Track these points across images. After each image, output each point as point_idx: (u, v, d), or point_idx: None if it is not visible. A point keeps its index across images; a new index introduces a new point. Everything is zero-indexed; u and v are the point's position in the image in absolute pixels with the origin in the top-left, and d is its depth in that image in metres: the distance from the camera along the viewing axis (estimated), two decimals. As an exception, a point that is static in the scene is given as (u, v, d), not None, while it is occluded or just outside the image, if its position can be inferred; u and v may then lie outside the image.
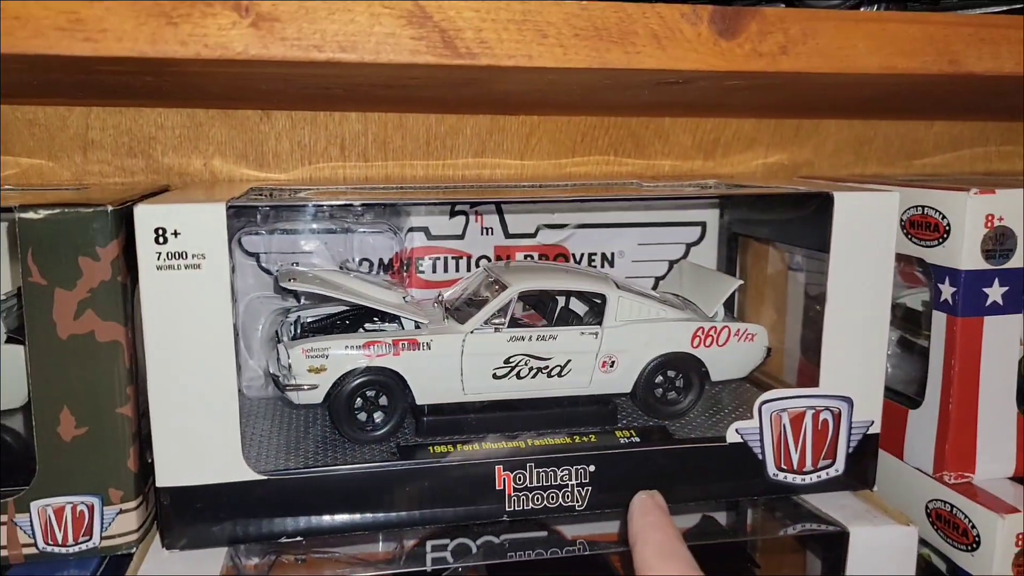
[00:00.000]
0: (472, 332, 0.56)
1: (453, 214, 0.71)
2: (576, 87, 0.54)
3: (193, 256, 0.46)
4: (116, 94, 0.63)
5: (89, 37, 0.40)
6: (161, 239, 0.46)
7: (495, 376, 0.56)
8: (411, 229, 0.69)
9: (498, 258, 0.72)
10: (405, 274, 0.68)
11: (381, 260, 0.69)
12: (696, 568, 0.44)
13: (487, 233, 0.72)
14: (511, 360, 0.56)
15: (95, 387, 0.47)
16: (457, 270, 0.71)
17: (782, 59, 0.46)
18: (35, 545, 0.48)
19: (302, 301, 0.66)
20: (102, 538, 0.49)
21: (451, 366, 0.56)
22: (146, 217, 0.46)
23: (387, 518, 0.53)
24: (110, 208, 0.46)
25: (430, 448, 0.55)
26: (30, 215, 0.45)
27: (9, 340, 0.54)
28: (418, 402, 0.56)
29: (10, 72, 0.47)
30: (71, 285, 0.46)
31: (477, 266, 0.71)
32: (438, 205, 0.68)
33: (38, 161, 0.67)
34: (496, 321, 0.57)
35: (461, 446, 0.55)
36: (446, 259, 0.71)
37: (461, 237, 0.71)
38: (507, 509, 0.53)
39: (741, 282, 0.63)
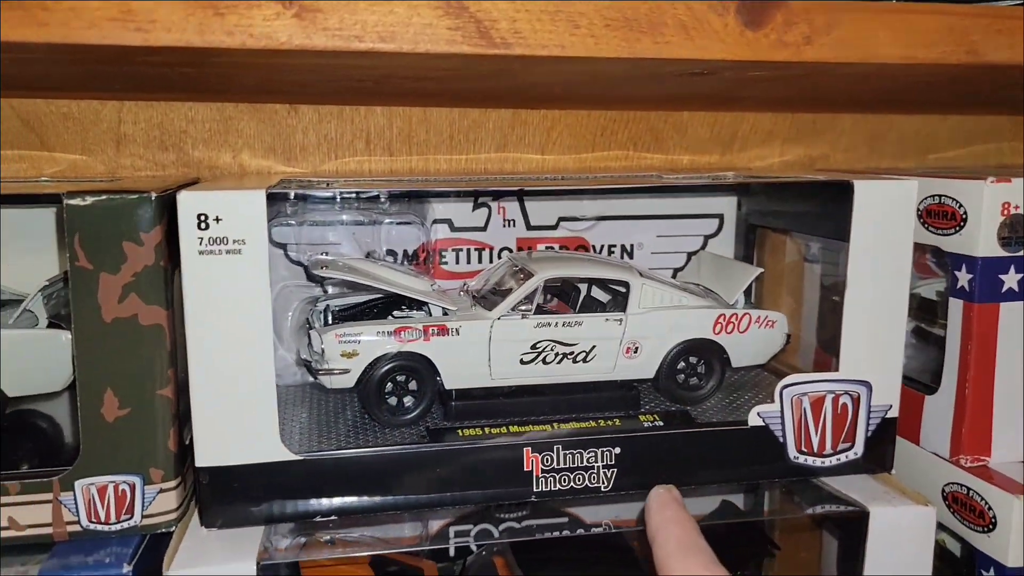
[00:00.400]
0: (499, 318, 0.57)
1: (476, 206, 0.72)
2: (601, 78, 0.55)
3: (234, 242, 0.48)
4: (148, 88, 0.64)
5: (140, 27, 0.41)
6: (203, 225, 0.47)
7: (522, 361, 0.58)
8: (435, 221, 0.70)
9: (519, 249, 0.73)
10: (429, 265, 0.70)
11: (405, 251, 0.70)
12: (716, 562, 0.44)
13: (509, 225, 0.73)
14: (537, 346, 0.58)
15: (138, 369, 0.49)
16: (480, 261, 0.73)
17: (806, 49, 0.47)
18: (79, 523, 0.49)
19: (329, 291, 0.67)
20: (143, 516, 0.50)
21: (479, 351, 0.57)
22: (189, 203, 0.47)
23: (418, 499, 0.54)
24: (154, 195, 0.47)
25: (459, 431, 0.56)
26: (77, 202, 0.47)
27: (51, 325, 0.55)
28: (446, 387, 0.57)
29: (57, 64, 0.49)
30: (115, 269, 0.48)
31: (499, 257, 0.73)
32: (464, 195, 0.70)
33: (72, 155, 0.68)
34: (523, 308, 0.58)
35: (489, 429, 0.56)
36: (469, 250, 0.73)
37: (484, 229, 0.73)
38: (535, 490, 0.54)
39: (761, 270, 0.64)
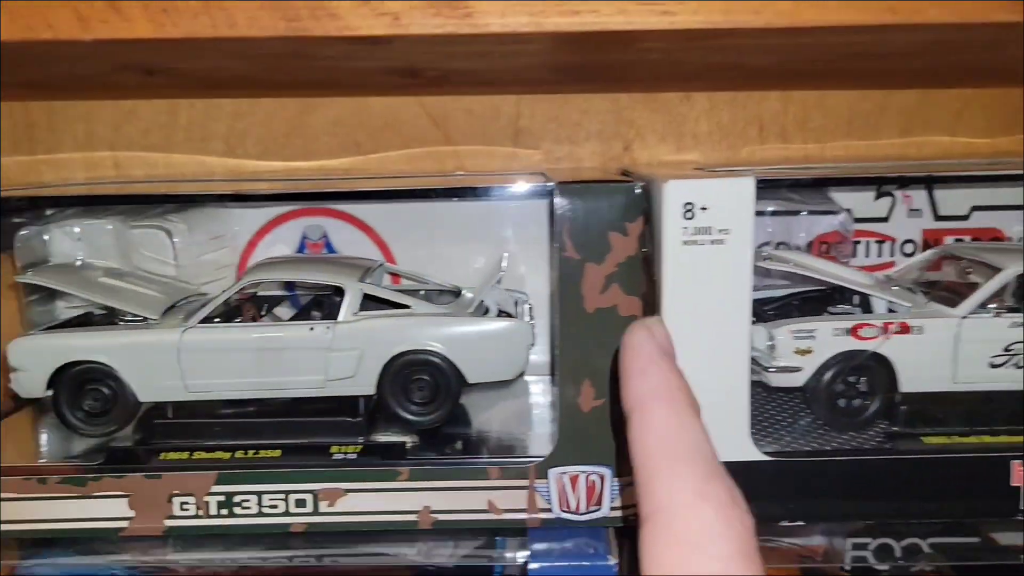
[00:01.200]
0: (966, 317, 0.52)
1: (879, 195, 0.67)
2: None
3: (719, 231, 0.46)
4: (545, 82, 0.65)
5: (667, 11, 0.40)
6: (689, 214, 0.46)
7: (992, 365, 0.52)
8: (835, 211, 0.66)
9: (925, 242, 0.68)
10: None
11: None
12: (717, 474, 0.30)
13: (914, 215, 0.68)
14: (1011, 348, 0.52)
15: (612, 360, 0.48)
16: (879, 255, 0.68)
17: None
18: (551, 510, 0.50)
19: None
20: (611, 508, 0.50)
21: (943, 353, 0.52)
22: (676, 192, 0.46)
23: (883, 507, 0.50)
24: (640, 185, 0.47)
25: (921, 438, 0.51)
26: (567, 192, 0.47)
27: (500, 314, 0.57)
28: (902, 389, 0.53)
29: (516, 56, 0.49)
30: (600, 259, 0.47)
31: (903, 251, 0.68)
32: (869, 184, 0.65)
33: (473, 147, 0.70)
34: (992, 305, 0.52)
35: (956, 437, 0.51)
36: (868, 243, 0.68)
37: (886, 219, 0.68)
38: (1022, 508, 0.49)
39: None
